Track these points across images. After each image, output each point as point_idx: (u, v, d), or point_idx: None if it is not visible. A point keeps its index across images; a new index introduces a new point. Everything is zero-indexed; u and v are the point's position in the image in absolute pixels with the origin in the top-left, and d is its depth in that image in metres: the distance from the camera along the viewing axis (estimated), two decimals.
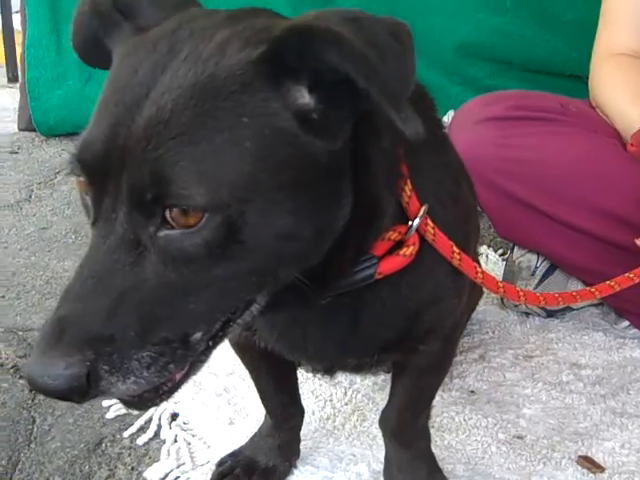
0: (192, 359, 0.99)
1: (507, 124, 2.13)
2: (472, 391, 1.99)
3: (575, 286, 2.27)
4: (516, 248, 2.33)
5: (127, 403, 1.01)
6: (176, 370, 0.97)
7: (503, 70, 3.79)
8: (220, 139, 0.89)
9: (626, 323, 2.33)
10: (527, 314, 2.38)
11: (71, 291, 0.92)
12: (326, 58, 0.87)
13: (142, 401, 1.00)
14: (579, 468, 1.70)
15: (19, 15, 4.72)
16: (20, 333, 2.23)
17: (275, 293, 1.03)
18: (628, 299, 2.19)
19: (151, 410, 1.86)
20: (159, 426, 1.83)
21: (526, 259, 2.30)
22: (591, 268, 2.14)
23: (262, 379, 1.61)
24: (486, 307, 2.43)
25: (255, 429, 1.72)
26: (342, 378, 2.00)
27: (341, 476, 1.66)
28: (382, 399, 1.85)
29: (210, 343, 1.01)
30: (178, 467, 1.70)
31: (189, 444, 1.78)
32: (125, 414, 1.86)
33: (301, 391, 1.68)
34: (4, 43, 5.58)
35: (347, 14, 0.91)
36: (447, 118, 2.87)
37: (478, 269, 1.32)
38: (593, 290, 1.72)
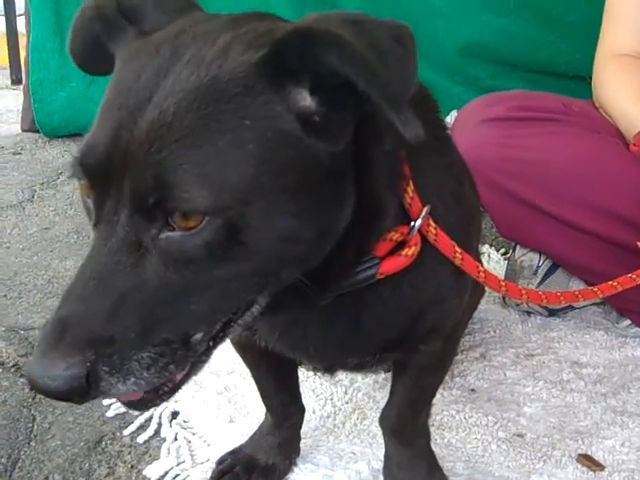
0: (193, 360, 0.99)
1: (510, 124, 2.13)
2: (473, 389, 1.99)
3: (577, 285, 2.27)
4: (518, 247, 2.33)
5: (127, 403, 1.02)
6: (176, 371, 0.97)
7: (506, 71, 3.78)
8: (223, 142, 0.89)
9: (628, 322, 2.32)
10: (529, 313, 2.38)
11: (72, 292, 0.92)
12: (327, 61, 0.87)
13: (142, 402, 1.01)
14: (579, 466, 1.69)
15: (23, 18, 4.73)
16: (21, 332, 2.23)
17: (276, 294, 1.03)
18: (630, 298, 2.18)
19: (151, 408, 1.86)
20: (159, 424, 1.83)
21: (528, 258, 2.29)
22: (593, 268, 2.14)
23: (263, 378, 1.61)
24: (488, 306, 2.42)
25: (255, 427, 1.73)
26: (343, 377, 2.00)
27: (341, 474, 1.66)
28: (382, 397, 1.85)
29: (211, 343, 1.01)
30: (178, 465, 1.70)
31: (189, 442, 1.78)
32: (125, 412, 1.86)
33: (302, 389, 1.68)
34: (8, 45, 5.59)
35: (349, 17, 0.91)
36: (450, 118, 2.87)
37: (480, 268, 1.32)
38: (595, 290, 1.71)
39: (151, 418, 1.85)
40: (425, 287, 1.23)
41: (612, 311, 2.39)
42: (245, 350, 1.54)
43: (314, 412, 1.88)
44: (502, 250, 2.84)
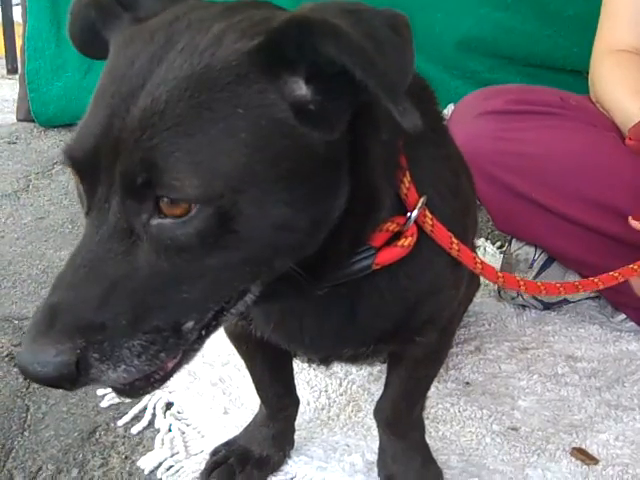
0: (184, 348, 0.99)
1: (507, 118, 2.12)
2: (467, 383, 1.99)
3: (572, 279, 2.27)
4: (514, 241, 2.33)
5: (119, 391, 1.01)
6: (168, 359, 0.97)
7: (504, 65, 3.77)
8: (215, 130, 0.89)
9: (622, 316, 2.33)
10: (524, 306, 2.39)
11: (63, 279, 0.92)
12: (324, 50, 0.86)
13: (133, 389, 1.00)
14: (573, 460, 1.70)
15: (19, 7, 4.71)
16: (15, 322, 2.23)
17: (270, 283, 1.03)
18: (625, 292, 2.19)
19: (145, 399, 1.86)
20: (153, 415, 1.83)
21: (524, 252, 2.29)
22: (588, 261, 2.14)
23: (257, 369, 1.61)
24: (483, 299, 2.43)
25: (250, 419, 1.72)
26: (337, 369, 2.00)
27: (335, 466, 1.66)
28: (377, 390, 1.85)
29: (203, 332, 1.01)
30: (172, 456, 1.70)
31: (183, 433, 1.78)
32: (119, 403, 1.86)
33: (296, 381, 1.68)
34: (4, 35, 5.58)
35: (345, 6, 0.91)
36: (447, 112, 2.86)
37: (477, 259, 1.32)
38: (596, 280, 1.71)
39: (145, 409, 1.84)
40: (421, 278, 1.23)
41: (607, 305, 2.39)
42: (240, 341, 1.54)
43: (308, 404, 1.88)
44: (498, 243, 2.84)
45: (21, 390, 1.91)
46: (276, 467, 1.68)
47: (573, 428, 1.81)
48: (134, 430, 1.78)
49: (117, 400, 1.85)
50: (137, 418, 1.82)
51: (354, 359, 1.50)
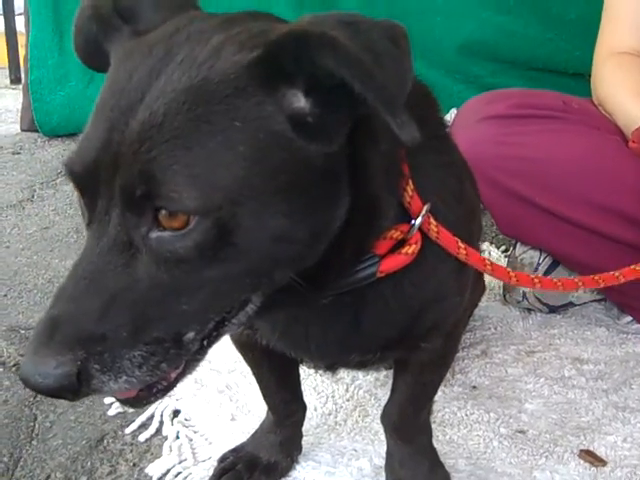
0: (187, 358, 0.99)
1: (509, 122, 2.12)
2: (474, 386, 1.99)
3: None
4: (518, 245, 2.32)
5: (123, 401, 1.02)
6: (170, 369, 0.97)
7: (506, 69, 3.78)
8: (213, 143, 0.89)
9: (629, 318, 2.32)
10: (529, 310, 2.38)
11: (64, 291, 0.93)
12: (322, 63, 0.87)
13: (137, 399, 1.01)
14: (581, 462, 1.70)
15: (22, 17, 4.73)
16: (22, 331, 2.24)
17: (271, 293, 1.03)
18: (631, 295, 2.19)
19: (153, 407, 1.86)
20: (161, 423, 1.84)
21: (528, 256, 2.29)
22: (593, 264, 2.13)
23: (264, 376, 1.61)
24: (488, 303, 2.42)
25: (257, 425, 1.73)
26: (344, 374, 2.00)
27: (343, 471, 1.66)
28: (384, 395, 1.85)
29: (205, 342, 1.01)
30: (180, 463, 1.70)
31: (191, 440, 1.78)
32: (126, 411, 1.86)
33: (303, 387, 1.68)
34: (7, 45, 5.59)
35: (343, 18, 0.91)
36: (449, 117, 2.87)
37: (487, 260, 1.32)
38: (597, 278, 1.68)
39: (153, 417, 1.85)
40: (426, 285, 1.23)
41: (613, 307, 2.39)
42: (246, 349, 1.54)
43: (315, 410, 1.88)
44: (502, 248, 2.84)
45: (29, 399, 1.92)
46: (284, 473, 1.68)
47: (581, 430, 1.80)
48: (142, 438, 1.78)
49: (124, 408, 1.86)
50: (144, 426, 1.83)
51: (360, 366, 1.51)
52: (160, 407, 1.87)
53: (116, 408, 1.87)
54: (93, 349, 0.89)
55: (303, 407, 1.68)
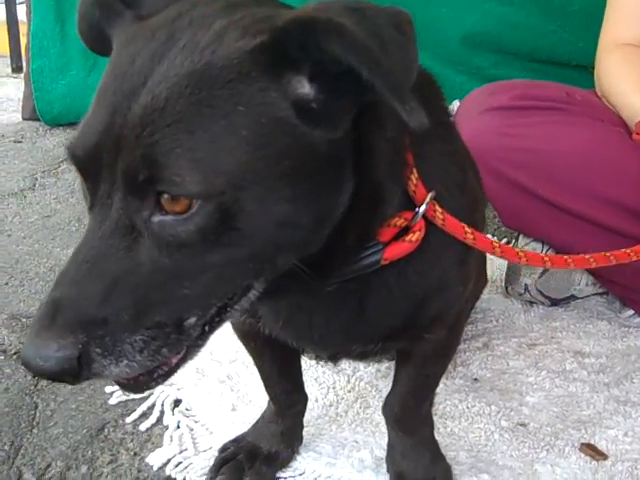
0: (188, 344, 0.99)
1: (512, 113, 2.12)
2: (475, 379, 1.99)
3: (580, 274, 2.28)
4: (521, 237, 2.32)
5: (123, 386, 1.02)
6: (171, 354, 0.97)
7: (509, 60, 3.77)
8: (216, 127, 0.89)
9: (630, 312, 2.32)
10: (531, 303, 2.38)
11: (66, 275, 0.93)
12: (329, 49, 0.86)
13: (138, 384, 1.01)
14: (582, 456, 1.69)
15: (24, 6, 4.72)
16: (23, 320, 2.24)
17: (274, 280, 1.03)
18: (633, 288, 2.19)
19: (154, 396, 1.87)
20: (162, 412, 1.84)
21: (531, 247, 2.28)
22: None
23: (266, 366, 1.61)
24: (490, 296, 2.42)
25: (258, 415, 1.73)
26: (345, 365, 2.00)
27: (344, 462, 1.66)
28: (385, 386, 1.85)
29: (206, 328, 1.01)
30: (180, 453, 1.70)
31: (192, 430, 1.78)
32: (127, 400, 1.86)
33: (304, 378, 1.68)
34: (9, 34, 5.59)
35: (349, 4, 0.90)
36: (452, 108, 2.85)
37: (495, 243, 1.32)
38: (588, 257, 1.66)
39: (154, 406, 1.85)
40: (430, 274, 1.23)
41: (615, 301, 2.39)
42: (248, 338, 1.54)
43: (317, 400, 1.88)
44: (505, 239, 2.83)
45: (30, 388, 1.92)
46: (285, 463, 1.68)
47: (582, 424, 1.80)
48: (143, 427, 1.78)
49: (125, 397, 1.86)
50: (145, 415, 1.83)
51: (362, 356, 1.51)
52: (161, 396, 1.87)
53: (117, 397, 1.87)
54: (94, 333, 0.89)
55: (304, 398, 1.68)
